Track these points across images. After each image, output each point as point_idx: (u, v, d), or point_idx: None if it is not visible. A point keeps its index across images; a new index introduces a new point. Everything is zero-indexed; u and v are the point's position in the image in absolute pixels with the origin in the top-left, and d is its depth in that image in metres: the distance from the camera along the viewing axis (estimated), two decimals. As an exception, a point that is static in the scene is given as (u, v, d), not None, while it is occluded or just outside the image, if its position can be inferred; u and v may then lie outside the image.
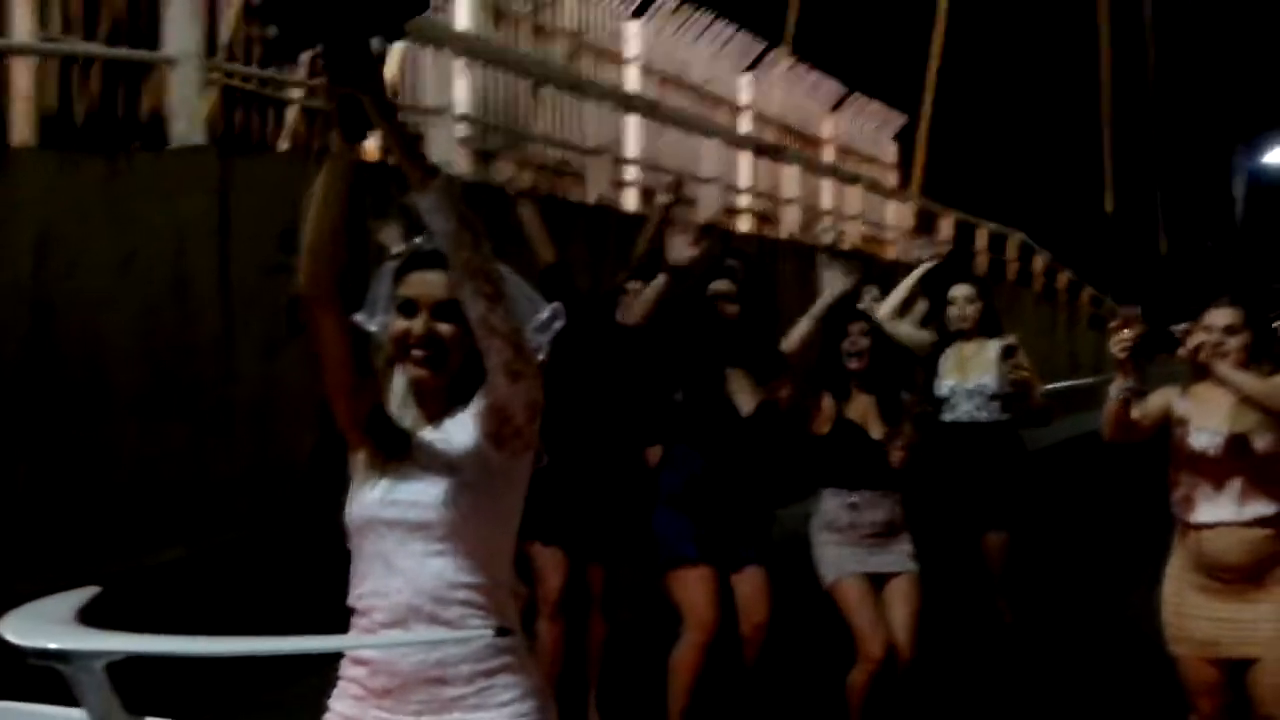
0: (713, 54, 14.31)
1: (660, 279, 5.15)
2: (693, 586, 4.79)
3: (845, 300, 5.08)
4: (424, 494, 2.35)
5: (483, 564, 2.37)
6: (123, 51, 6.79)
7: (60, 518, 5.13)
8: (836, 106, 17.22)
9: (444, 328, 2.37)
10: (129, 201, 5.80)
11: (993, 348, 5.90)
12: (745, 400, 4.94)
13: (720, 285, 5.00)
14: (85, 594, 2.45)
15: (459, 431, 2.39)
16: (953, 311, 5.97)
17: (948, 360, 5.93)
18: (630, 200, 12.14)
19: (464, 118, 9.63)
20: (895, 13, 21.84)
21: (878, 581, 4.93)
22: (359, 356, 2.41)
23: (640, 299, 5.11)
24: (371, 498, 2.38)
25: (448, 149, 8.36)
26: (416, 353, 2.38)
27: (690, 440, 4.89)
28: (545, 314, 2.48)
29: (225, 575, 4.93)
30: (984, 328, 5.93)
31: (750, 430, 4.94)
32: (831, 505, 4.95)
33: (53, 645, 2.24)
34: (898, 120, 19.18)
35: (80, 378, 5.48)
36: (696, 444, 4.87)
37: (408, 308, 2.40)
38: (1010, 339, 5.94)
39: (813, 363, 5.02)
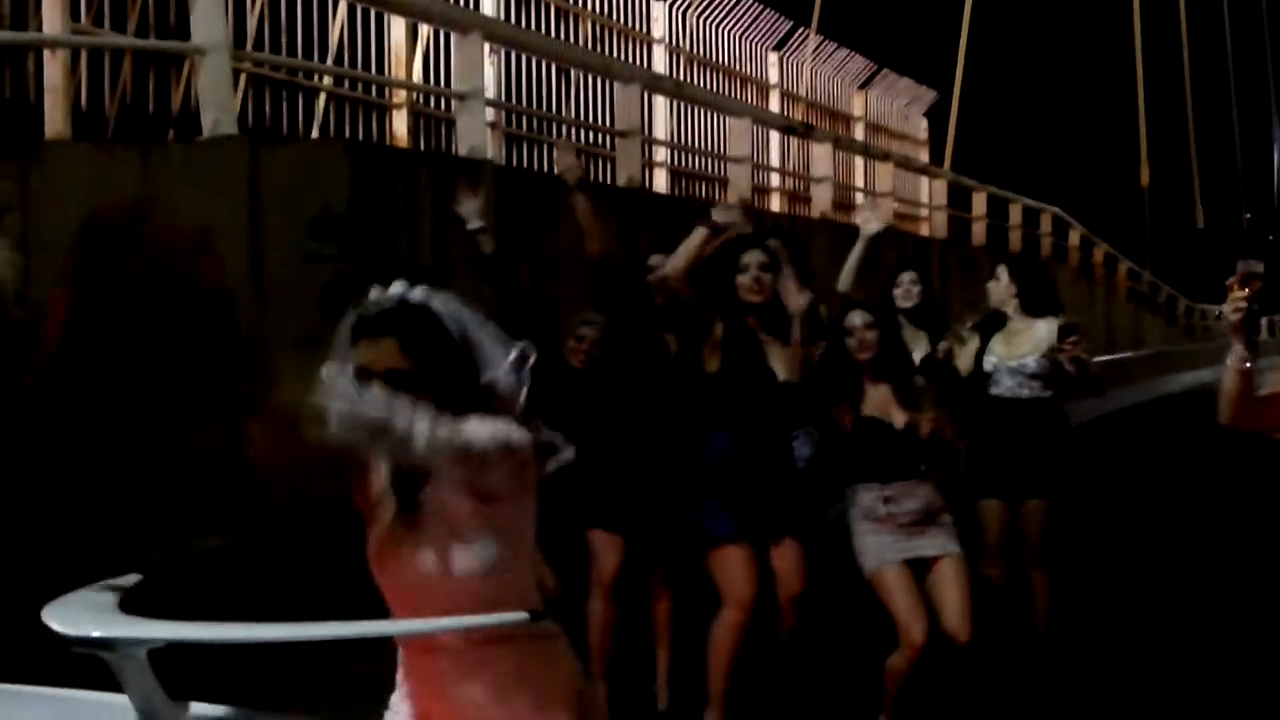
0: (740, 33, 14.26)
1: (699, 231, 5.16)
2: (729, 565, 4.79)
3: (721, 229, 4.98)
4: (433, 568, 2.34)
5: (510, 594, 2.37)
6: (152, 43, 6.81)
7: (101, 505, 5.16)
8: (866, 84, 17.12)
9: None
10: (162, 192, 5.83)
11: (1041, 327, 5.86)
12: (780, 366, 4.95)
13: (753, 257, 4.99)
14: (127, 581, 2.45)
15: (450, 497, 2.33)
16: (992, 289, 5.95)
17: (997, 337, 5.92)
18: (660, 182, 12.13)
19: (492, 102, 9.63)
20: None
21: (920, 567, 4.89)
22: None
23: (677, 254, 5.11)
24: (383, 566, 2.38)
25: (478, 134, 8.35)
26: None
27: (726, 414, 4.88)
28: (515, 354, 2.41)
29: (266, 563, 4.96)
30: (1030, 306, 5.91)
31: (788, 394, 4.93)
32: (866, 498, 4.91)
33: (96, 633, 2.24)
34: (929, 96, 19.06)
35: (119, 366, 5.51)
36: (731, 418, 4.87)
37: (362, 375, 2.32)
38: (1064, 319, 5.91)
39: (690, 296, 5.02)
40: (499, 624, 2.32)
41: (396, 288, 2.37)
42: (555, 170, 5.62)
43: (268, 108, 8.52)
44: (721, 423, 4.89)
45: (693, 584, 5.08)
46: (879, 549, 4.83)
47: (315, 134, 8.73)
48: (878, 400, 4.91)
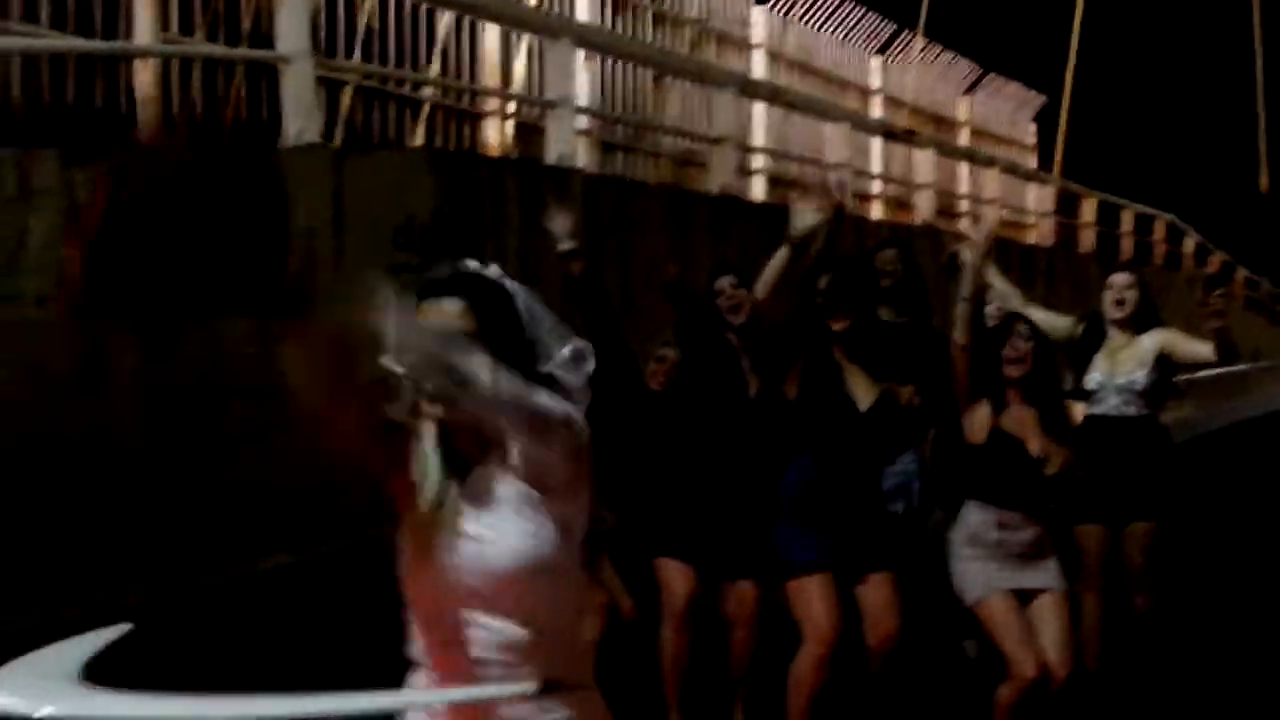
0: (841, 38, 14.01)
1: (781, 252, 5.00)
2: (810, 596, 4.57)
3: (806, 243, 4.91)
4: (475, 560, 2.17)
5: (545, 620, 2.20)
6: (235, 51, 6.79)
7: (169, 524, 5.12)
8: (972, 88, 16.76)
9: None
10: (252, 198, 5.78)
11: (1145, 341, 5.58)
12: (863, 396, 4.74)
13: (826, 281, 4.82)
14: (99, 639, 2.20)
15: (499, 484, 2.20)
16: (1108, 298, 5.66)
17: (1100, 352, 5.64)
18: (758, 189, 11.93)
19: (585, 110, 9.52)
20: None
21: (1023, 598, 4.66)
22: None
23: (762, 279, 4.98)
24: (421, 564, 2.21)
25: (568, 141, 8.24)
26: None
27: (805, 442, 4.69)
28: (568, 351, 2.27)
29: (333, 582, 4.87)
30: (1139, 319, 5.62)
31: (869, 426, 4.73)
32: (977, 520, 4.64)
33: (44, 710, 1.95)
34: (1037, 101, 18.63)
35: (195, 381, 5.47)
36: (810, 446, 4.67)
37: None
38: (1169, 332, 5.63)
39: (779, 313, 4.84)
40: (502, 696, 2.16)
41: (471, 262, 2.29)
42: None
43: (359, 116, 8.49)
44: (801, 450, 4.70)
45: (775, 616, 4.88)
46: (985, 577, 4.59)
47: (412, 143, 8.68)
48: (1019, 419, 4.63)
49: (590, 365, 2.28)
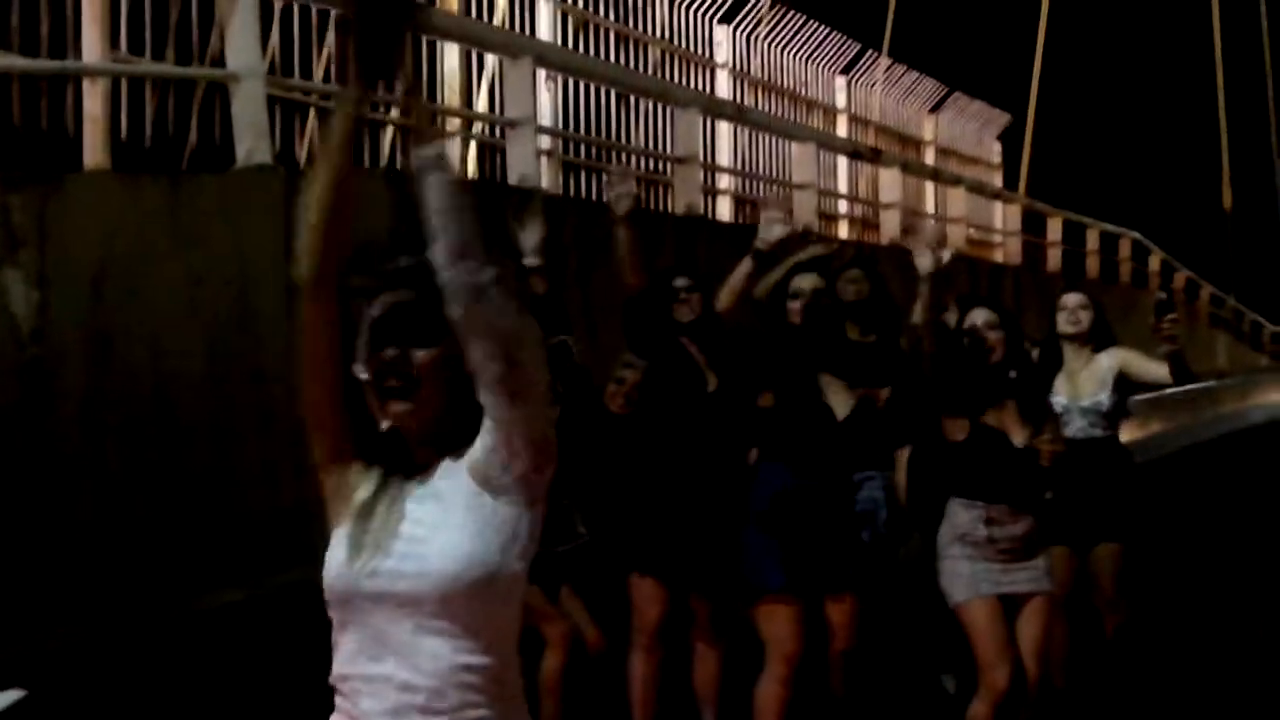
0: (806, 58, 13.94)
1: (745, 263, 4.92)
2: (777, 619, 4.48)
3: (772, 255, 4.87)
4: (413, 562, 2.00)
5: (487, 640, 2.01)
6: (185, 70, 6.62)
7: (119, 557, 4.92)
8: (937, 107, 16.73)
9: (419, 353, 2.03)
10: (193, 224, 5.60)
11: (1103, 361, 5.50)
12: (839, 404, 4.62)
13: (807, 282, 4.71)
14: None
15: (450, 484, 2.04)
16: (1062, 319, 5.56)
17: (1060, 375, 5.53)
18: (724, 209, 11.82)
19: (547, 130, 9.38)
20: (996, 8, 21.25)
21: (1010, 604, 4.52)
22: (351, 401, 2.09)
23: (726, 287, 4.89)
24: (352, 565, 2.03)
25: (529, 161, 8.09)
26: (389, 383, 2.04)
27: (780, 452, 4.55)
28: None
29: (287, 619, 4.68)
30: (1094, 338, 5.53)
31: (847, 437, 4.61)
32: (965, 518, 4.50)
33: None
34: (1001, 119, 18.61)
35: (144, 407, 5.27)
36: (786, 456, 4.54)
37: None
38: (1125, 351, 5.54)
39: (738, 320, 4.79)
40: None
41: (404, 258, 2.16)
42: (605, 197, 5.34)
43: (315, 138, 8.32)
44: (775, 458, 4.57)
45: (742, 635, 4.76)
46: (972, 578, 4.46)
47: (377, 165, 8.51)
48: (998, 413, 4.52)
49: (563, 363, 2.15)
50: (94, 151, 6.55)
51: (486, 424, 2.00)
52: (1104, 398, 5.44)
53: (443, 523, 2.01)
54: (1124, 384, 5.49)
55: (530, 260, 4.96)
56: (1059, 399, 5.44)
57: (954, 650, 5.59)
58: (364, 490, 2.08)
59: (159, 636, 4.57)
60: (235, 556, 5.15)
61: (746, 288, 4.98)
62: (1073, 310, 5.54)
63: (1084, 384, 5.47)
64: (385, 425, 2.09)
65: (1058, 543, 5.32)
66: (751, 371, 4.67)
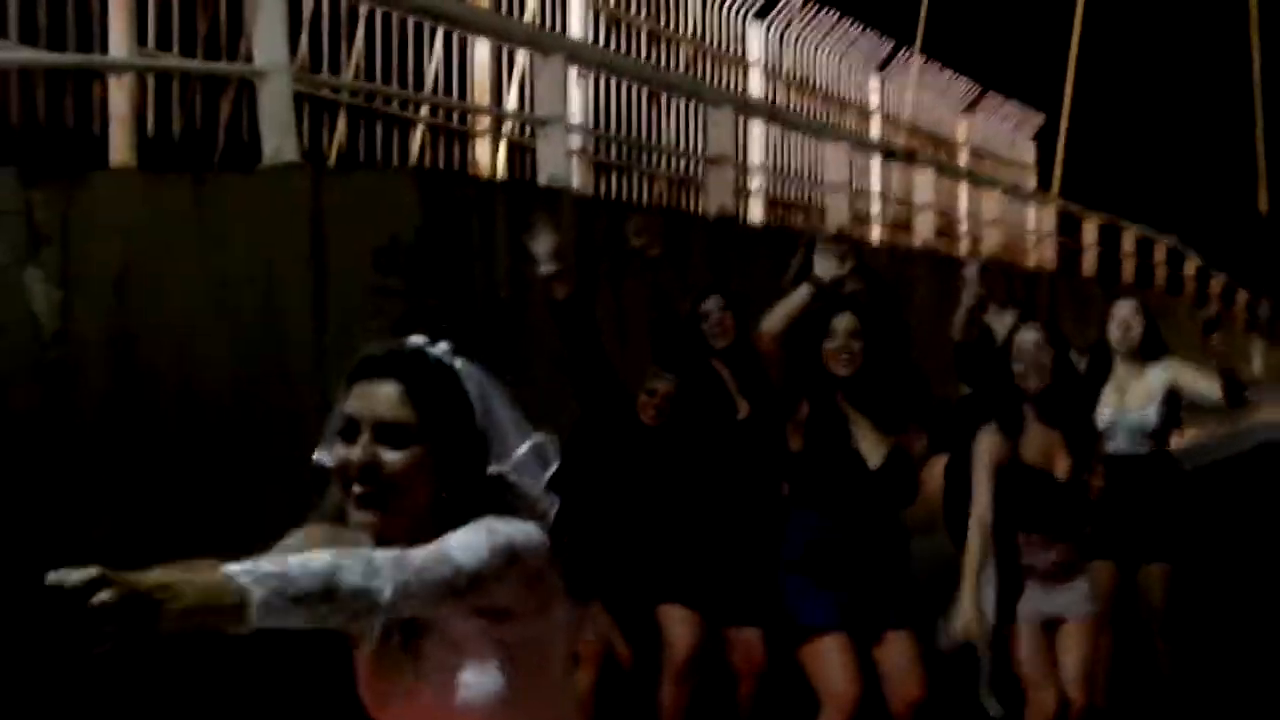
0: (840, 56, 13.78)
1: (803, 290, 4.75)
2: (827, 659, 4.23)
3: (831, 290, 4.65)
4: (438, 708, 1.89)
5: None
6: (211, 65, 6.52)
7: (140, 562, 4.81)
8: (971, 107, 16.53)
9: (390, 456, 1.85)
10: (218, 223, 5.50)
11: (1154, 374, 5.32)
12: (871, 451, 4.41)
13: (842, 323, 4.47)
14: None
15: (451, 620, 1.88)
16: (1113, 328, 5.39)
17: (1108, 386, 5.36)
18: (755, 210, 11.67)
19: (577, 128, 9.26)
20: (1031, 7, 21.02)
21: (1050, 626, 4.38)
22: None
23: (775, 313, 4.73)
24: (383, 703, 1.94)
25: (559, 161, 7.97)
26: (355, 489, 1.86)
27: (810, 499, 4.38)
28: (528, 447, 1.95)
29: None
30: (1145, 349, 5.35)
31: (878, 484, 4.40)
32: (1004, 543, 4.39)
33: None
34: (1036, 120, 18.40)
35: (168, 409, 5.18)
36: (816, 503, 4.36)
37: (348, 430, 1.88)
38: (1178, 365, 5.36)
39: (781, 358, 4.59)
40: None
41: (414, 338, 1.96)
42: (631, 242, 5.20)
43: (345, 137, 8.22)
44: (806, 504, 4.40)
45: (785, 669, 4.58)
46: (1009, 601, 4.34)
47: (407, 164, 8.40)
48: (1040, 443, 4.32)
49: (553, 465, 1.95)
50: (120, 149, 6.47)
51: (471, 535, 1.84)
52: (1151, 412, 5.27)
53: (457, 662, 1.88)
54: (1175, 399, 5.32)
55: (547, 267, 4.82)
56: (1105, 411, 5.28)
57: (996, 672, 5.45)
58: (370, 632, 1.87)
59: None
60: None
61: (797, 316, 4.77)
62: (1124, 319, 5.37)
63: (1133, 397, 5.30)
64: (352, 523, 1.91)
65: (1102, 557, 5.18)
66: (784, 403, 4.48)
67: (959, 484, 5.00)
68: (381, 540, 1.84)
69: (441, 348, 1.96)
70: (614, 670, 4.64)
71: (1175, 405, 5.35)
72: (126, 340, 5.02)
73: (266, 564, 1.62)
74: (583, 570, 4.49)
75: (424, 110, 8.75)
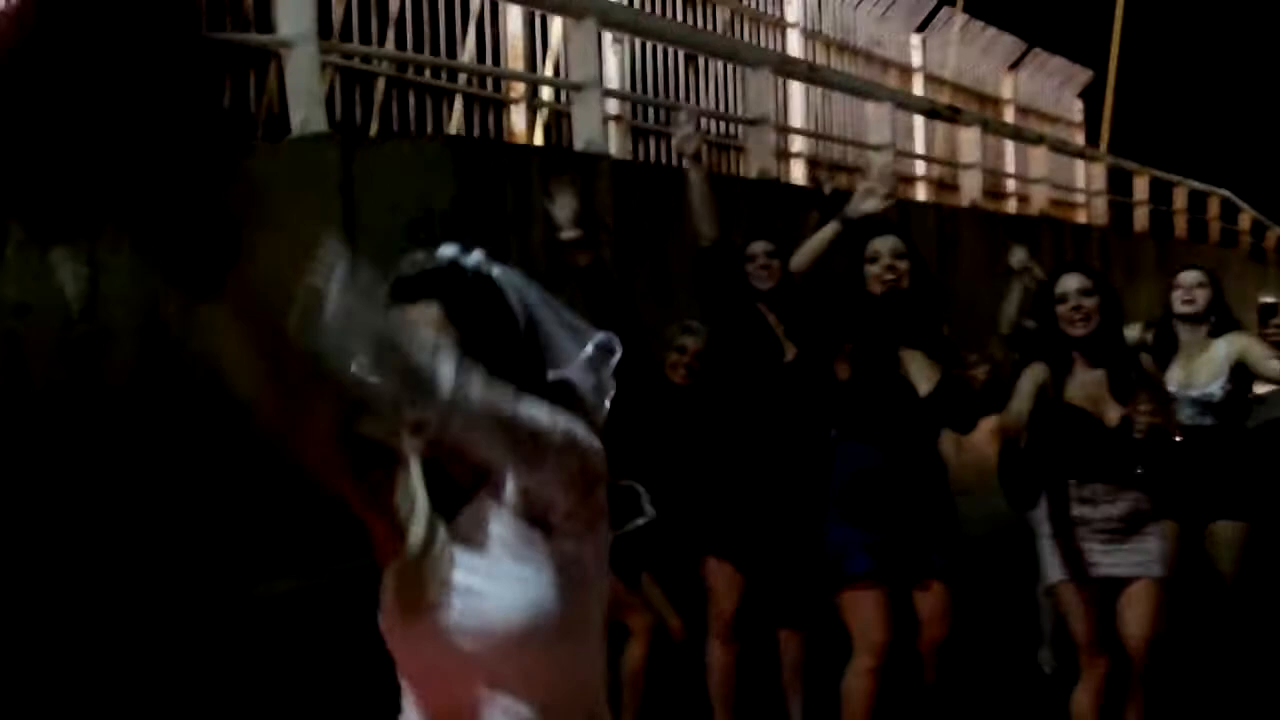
0: (880, 15, 13.52)
1: (831, 226, 4.64)
2: (863, 607, 4.22)
3: (867, 223, 4.52)
4: (473, 619, 1.76)
5: (562, 692, 1.79)
6: (238, 36, 6.40)
7: (171, 541, 4.74)
8: (1015, 64, 16.21)
9: None
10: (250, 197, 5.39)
11: (1220, 347, 5.12)
12: (920, 378, 4.30)
13: (886, 244, 4.37)
14: None
15: (495, 523, 1.78)
16: (1177, 298, 5.20)
17: (1175, 359, 5.17)
18: (797, 172, 11.48)
19: (613, 93, 9.10)
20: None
21: (1113, 586, 4.21)
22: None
23: (802, 250, 4.62)
24: (404, 620, 1.81)
25: (595, 126, 7.82)
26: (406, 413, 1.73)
27: (859, 431, 4.27)
28: (591, 349, 1.85)
29: (344, 607, 4.48)
30: (1211, 321, 5.16)
31: (930, 414, 4.30)
32: (1057, 495, 4.23)
33: None
34: (1083, 76, 18.03)
35: (198, 387, 5.08)
36: (867, 435, 4.25)
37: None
38: (1245, 338, 5.16)
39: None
40: None
41: (447, 249, 1.84)
42: (672, 143, 5.09)
43: (377, 107, 8.10)
44: (855, 436, 4.28)
45: (828, 623, 4.50)
46: (1066, 559, 4.18)
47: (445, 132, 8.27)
48: (1087, 388, 4.18)
49: (615, 358, 1.87)
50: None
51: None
52: (1216, 389, 5.06)
53: (494, 569, 1.76)
54: (1243, 373, 5.10)
55: (568, 234, 4.70)
56: (1170, 385, 5.09)
57: (1052, 629, 5.31)
58: (411, 535, 1.81)
59: (215, 623, 4.39)
60: (293, 544, 4.96)
61: (826, 252, 4.71)
62: (1189, 289, 5.17)
63: (1198, 370, 5.10)
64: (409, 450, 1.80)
65: (1166, 517, 5.01)
66: (830, 341, 4.39)
67: (1014, 440, 4.86)
68: (434, 467, 1.77)
69: (476, 257, 1.84)
70: (665, 643, 4.53)
71: (1243, 380, 5.14)
72: (154, 316, 4.92)
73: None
74: (633, 543, 4.39)
75: (461, 79, 8.62)
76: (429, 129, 8.20)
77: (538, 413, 1.69)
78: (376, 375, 1.56)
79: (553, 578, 1.75)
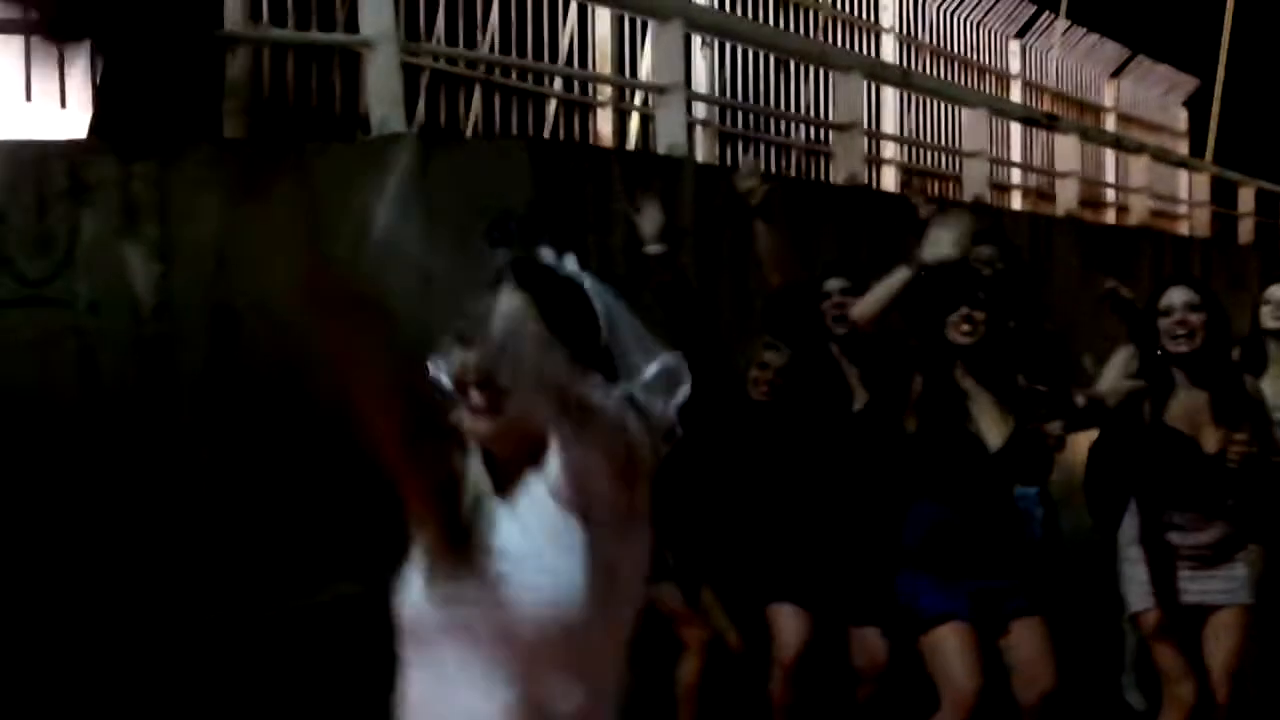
0: (978, 20, 13.27)
1: (901, 273, 4.37)
2: (946, 650, 3.97)
3: (949, 270, 4.09)
4: (493, 591, 1.73)
5: (579, 677, 1.73)
6: (318, 36, 6.41)
7: (237, 550, 4.72)
8: (1119, 71, 15.85)
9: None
10: (325, 197, 5.38)
11: None
12: (992, 431, 4.09)
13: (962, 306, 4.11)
14: None
15: (532, 504, 1.78)
16: (1267, 313, 4.98)
17: (1266, 375, 4.95)
18: (888, 179, 11.30)
19: (700, 96, 9.01)
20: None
21: (1200, 614, 4.03)
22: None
23: (871, 296, 4.35)
24: (424, 593, 1.79)
25: (678, 130, 7.72)
26: (473, 396, 1.80)
27: (928, 489, 4.08)
28: (656, 368, 1.85)
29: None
30: None
31: (1001, 469, 4.09)
32: (1150, 520, 4.06)
33: None
34: (1188, 84, 17.59)
35: (270, 388, 5.07)
36: (933, 490, 4.06)
37: (464, 336, 1.84)
38: None
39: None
40: None
41: (545, 251, 1.93)
42: (737, 188, 4.95)
43: (469, 109, 8.09)
44: (924, 494, 4.11)
45: (909, 669, 4.32)
46: (1155, 585, 4.01)
47: (520, 132, 8.24)
48: (1188, 408, 3.99)
49: (685, 388, 1.87)
50: (233, 121, 6.41)
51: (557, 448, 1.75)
52: None
53: (526, 552, 1.75)
54: None
55: (653, 248, 4.58)
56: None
57: (1134, 657, 5.11)
58: (465, 513, 1.86)
59: (277, 626, 4.36)
60: (358, 548, 4.92)
61: (894, 301, 4.37)
62: (1278, 303, 4.98)
63: None
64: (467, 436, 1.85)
65: (1251, 541, 4.81)
66: (900, 391, 4.16)
67: (1104, 460, 4.68)
68: (494, 458, 1.82)
69: (571, 263, 1.92)
70: (723, 659, 4.42)
71: None
72: (228, 315, 4.92)
73: None
74: (693, 556, 4.29)
75: (556, 83, 8.59)
76: (516, 131, 8.18)
77: (592, 389, 1.72)
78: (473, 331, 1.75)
79: (584, 575, 1.73)
